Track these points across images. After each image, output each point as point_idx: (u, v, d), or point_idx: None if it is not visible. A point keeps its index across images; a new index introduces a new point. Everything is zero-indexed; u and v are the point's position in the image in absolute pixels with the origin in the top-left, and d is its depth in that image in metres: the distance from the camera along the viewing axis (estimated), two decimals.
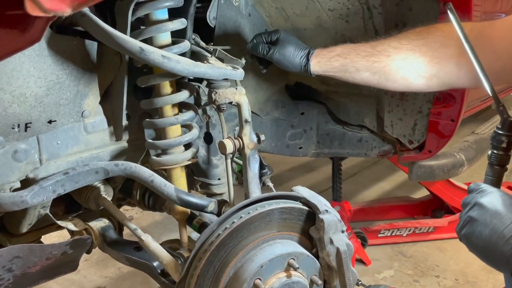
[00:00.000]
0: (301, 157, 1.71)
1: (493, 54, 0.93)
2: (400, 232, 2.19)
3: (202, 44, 1.20)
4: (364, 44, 1.13)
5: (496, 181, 0.88)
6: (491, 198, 0.82)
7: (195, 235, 1.21)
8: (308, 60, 1.18)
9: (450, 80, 1.05)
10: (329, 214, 1.00)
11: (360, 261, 2.04)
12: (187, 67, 0.96)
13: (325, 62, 1.16)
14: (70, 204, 1.25)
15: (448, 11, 0.90)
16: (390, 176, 3.02)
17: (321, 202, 1.01)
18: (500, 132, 0.87)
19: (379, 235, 2.21)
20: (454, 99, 1.22)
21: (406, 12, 1.22)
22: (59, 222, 1.12)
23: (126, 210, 1.97)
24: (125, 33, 0.96)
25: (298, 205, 1.02)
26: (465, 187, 2.30)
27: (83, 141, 1.06)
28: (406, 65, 1.07)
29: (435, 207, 2.36)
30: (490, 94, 0.90)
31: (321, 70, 1.17)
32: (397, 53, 1.08)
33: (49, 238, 1.34)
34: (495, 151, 0.88)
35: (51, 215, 1.09)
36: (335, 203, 2.01)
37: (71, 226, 1.13)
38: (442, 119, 1.28)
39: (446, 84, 1.08)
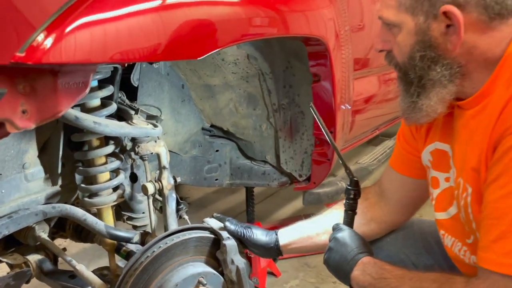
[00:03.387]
0: None
1: None
2: None
3: (127, 102, 1.44)
4: None
5: (349, 222, 1.17)
6: (343, 234, 1.11)
7: (122, 262, 1.43)
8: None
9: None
10: (230, 240, 1.28)
11: (271, 273, 2.35)
12: (115, 129, 1.21)
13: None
14: (9, 240, 1.41)
15: (311, 109, 1.19)
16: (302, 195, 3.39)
17: (224, 231, 1.30)
18: (349, 188, 1.17)
19: None
20: (328, 144, 1.59)
21: (290, 77, 1.57)
22: (0, 258, 1.30)
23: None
24: None
25: (206, 234, 1.29)
26: None
27: (23, 189, 1.25)
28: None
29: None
30: (341, 162, 1.21)
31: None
32: None
33: None
34: (347, 201, 1.17)
35: None
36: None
37: (11, 260, 1.30)
38: (321, 158, 1.63)
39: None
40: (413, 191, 1.26)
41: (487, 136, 0.88)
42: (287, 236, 1.30)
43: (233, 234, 1.27)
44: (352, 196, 1.18)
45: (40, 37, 0.66)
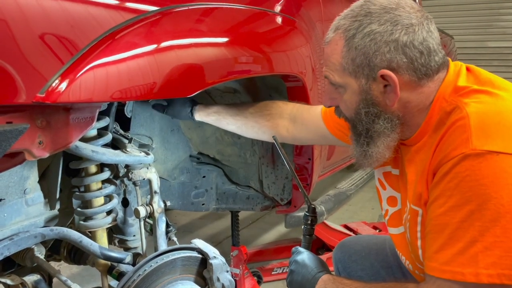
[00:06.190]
0: None
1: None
2: None
3: (121, 132, 1.56)
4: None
5: (307, 245, 1.31)
6: (302, 256, 1.25)
7: (114, 282, 1.52)
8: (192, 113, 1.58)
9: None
10: (217, 259, 1.39)
11: None
12: (111, 157, 1.32)
13: (205, 116, 1.59)
14: (6, 262, 1.49)
15: (274, 140, 1.40)
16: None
17: (210, 251, 1.40)
18: (307, 214, 1.31)
19: (273, 273, 2.62)
20: (307, 170, 1.72)
21: (267, 97, 1.71)
22: None
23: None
24: None
25: (194, 254, 1.39)
26: (340, 228, 2.84)
27: (24, 212, 1.35)
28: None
29: (317, 246, 2.85)
30: (300, 190, 1.37)
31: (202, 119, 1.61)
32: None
33: None
34: (305, 226, 1.31)
35: None
36: (234, 248, 2.39)
37: (9, 281, 1.38)
38: (301, 183, 1.76)
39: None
40: (320, 138, 1.52)
41: (427, 166, 1.05)
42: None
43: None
44: (310, 222, 1.32)
45: (56, 82, 0.79)
